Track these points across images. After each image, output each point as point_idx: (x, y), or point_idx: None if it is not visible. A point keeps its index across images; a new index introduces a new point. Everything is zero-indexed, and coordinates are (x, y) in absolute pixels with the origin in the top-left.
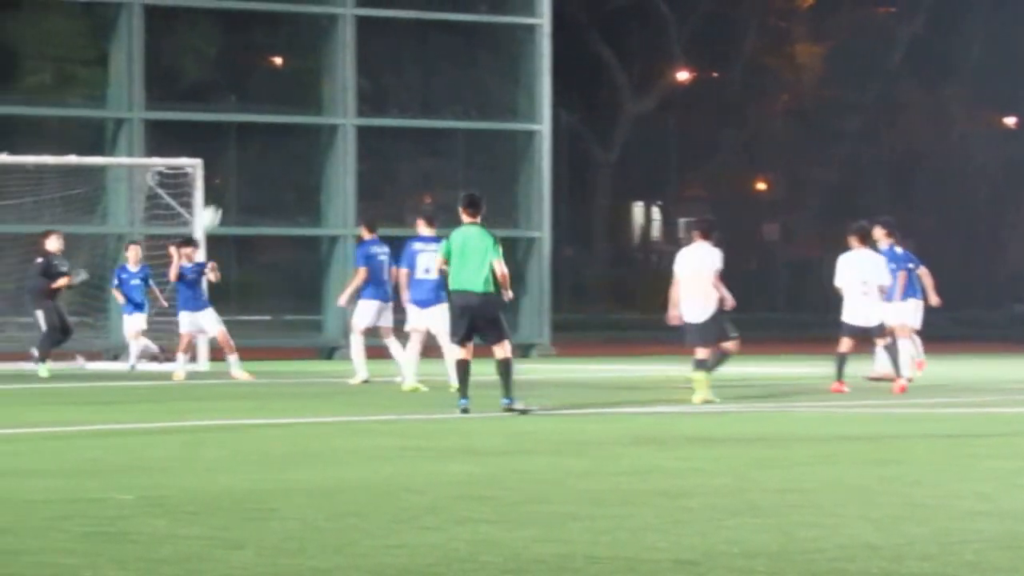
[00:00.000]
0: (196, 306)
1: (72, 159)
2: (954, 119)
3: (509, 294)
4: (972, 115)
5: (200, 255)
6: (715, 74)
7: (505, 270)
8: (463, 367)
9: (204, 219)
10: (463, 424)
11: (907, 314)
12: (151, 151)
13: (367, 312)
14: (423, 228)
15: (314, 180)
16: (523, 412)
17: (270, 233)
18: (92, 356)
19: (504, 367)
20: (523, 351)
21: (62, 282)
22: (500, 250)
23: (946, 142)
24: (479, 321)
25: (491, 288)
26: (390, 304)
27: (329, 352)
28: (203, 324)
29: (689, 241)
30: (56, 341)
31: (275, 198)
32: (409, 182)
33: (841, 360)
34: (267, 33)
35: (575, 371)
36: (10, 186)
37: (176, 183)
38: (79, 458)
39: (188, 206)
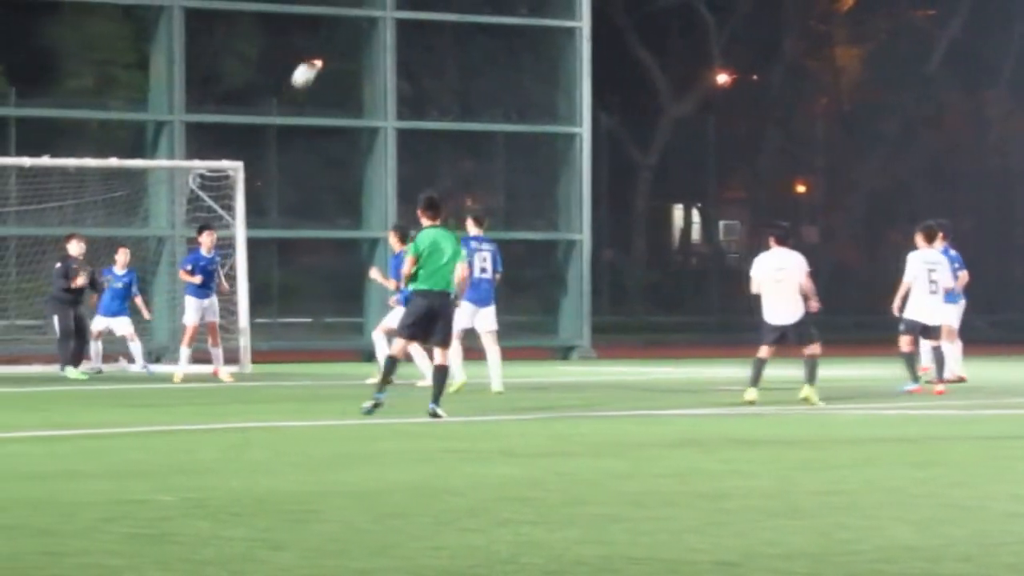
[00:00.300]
0: (205, 295)
1: (113, 162)
2: (992, 122)
3: (458, 299)
4: (1010, 118)
5: (241, 249)
6: (755, 77)
7: (465, 273)
8: (394, 363)
9: (299, 74)
10: (503, 426)
11: (952, 317)
12: (192, 154)
13: None
14: (473, 228)
15: (355, 183)
16: (436, 416)
17: (311, 236)
18: (133, 358)
19: (441, 374)
20: (563, 353)
21: (80, 281)
22: (464, 253)
23: (984, 144)
24: (440, 322)
25: (452, 289)
26: None
27: (370, 354)
28: (208, 313)
29: (763, 247)
30: (71, 346)
31: (316, 201)
32: (449, 185)
33: (911, 360)
34: (307, 36)
35: (615, 373)
36: (52, 189)
37: (217, 186)
38: (122, 460)
39: (229, 209)
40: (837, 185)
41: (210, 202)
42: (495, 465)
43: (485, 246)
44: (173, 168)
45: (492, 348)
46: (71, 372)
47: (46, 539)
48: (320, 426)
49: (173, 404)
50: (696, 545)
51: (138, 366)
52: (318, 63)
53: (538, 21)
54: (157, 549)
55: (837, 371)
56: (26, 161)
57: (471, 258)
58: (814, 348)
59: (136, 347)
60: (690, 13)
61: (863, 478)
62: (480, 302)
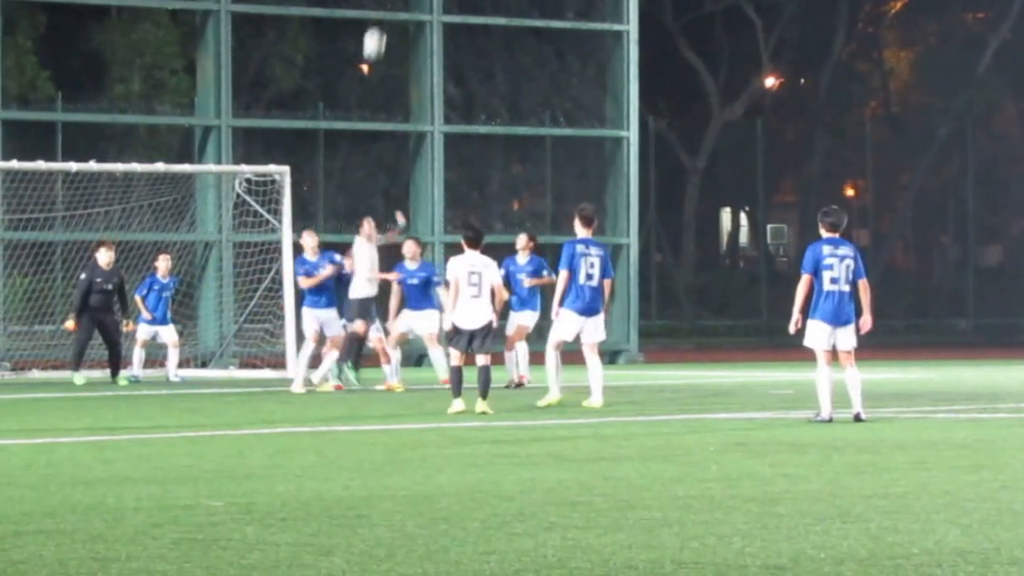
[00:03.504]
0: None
1: (160, 167)
2: None
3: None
4: None
5: (287, 254)
6: (803, 80)
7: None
8: None
9: (369, 45)
10: (553, 431)
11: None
12: (239, 158)
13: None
14: (581, 229)
15: (402, 187)
16: None
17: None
18: (181, 363)
19: None
20: (611, 357)
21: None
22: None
23: None
24: None
25: None
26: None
27: (418, 359)
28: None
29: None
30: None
31: (363, 205)
32: (497, 189)
33: None
34: (355, 40)
35: (663, 377)
36: (98, 194)
37: (264, 190)
38: (170, 465)
39: (276, 213)
40: (886, 188)
41: (257, 207)
42: (544, 469)
43: (593, 250)
44: (220, 173)
45: (594, 359)
46: (77, 378)
47: (94, 544)
48: (368, 430)
49: (219, 409)
50: (745, 549)
51: (170, 374)
52: (381, 35)
53: (586, 25)
54: (204, 554)
55: (887, 374)
56: (72, 166)
57: (576, 263)
58: (486, 359)
59: (175, 355)
60: (738, 16)
61: (913, 482)
62: (587, 312)
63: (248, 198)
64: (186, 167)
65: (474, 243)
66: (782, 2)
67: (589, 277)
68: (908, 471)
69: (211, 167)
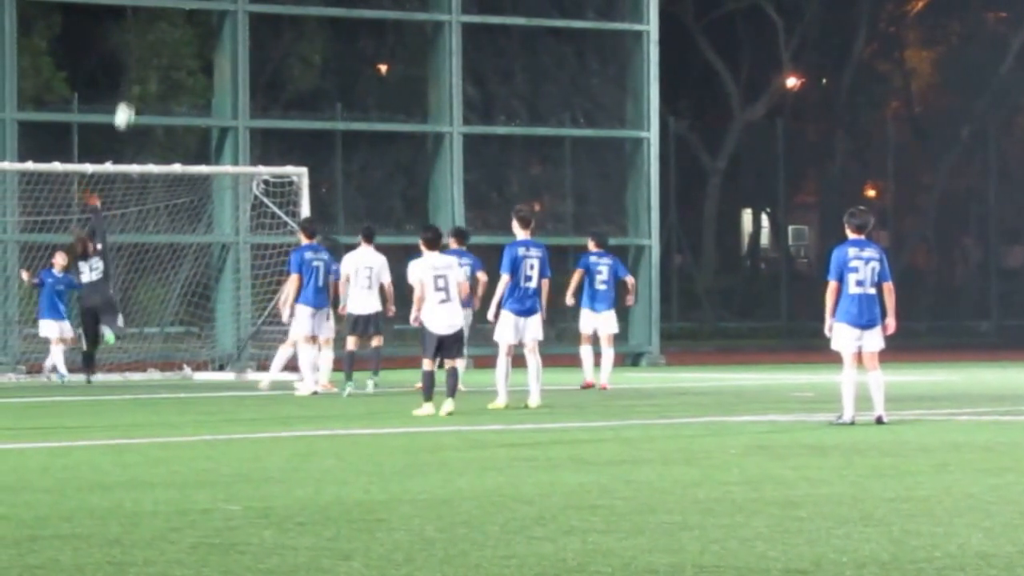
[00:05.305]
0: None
1: (177, 168)
2: None
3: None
4: None
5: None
6: (825, 80)
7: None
8: None
9: (120, 116)
10: (573, 434)
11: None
12: (256, 159)
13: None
14: (520, 231)
15: (421, 188)
16: None
17: (377, 242)
18: (199, 366)
19: None
20: (633, 360)
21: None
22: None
23: None
24: None
25: None
26: None
27: (439, 361)
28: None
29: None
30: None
31: (381, 206)
32: (517, 190)
33: None
34: (373, 41)
35: (685, 380)
36: (115, 195)
37: (281, 192)
38: (188, 469)
39: (294, 215)
40: (908, 189)
41: (274, 208)
42: (564, 473)
43: (533, 251)
44: (237, 174)
45: (533, 360)
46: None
47: (111, 549)
48: (387, 434)
49: (238, 412)
50: (767, 552)
51: (47, 367)
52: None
53: (606, 25)
54: (222, 559)
55: (909, 376)
56: (89, 167)
57: (518, 266)
58: (458, 363)
59: (60, 351)
60: (759, 17)
61: (935, 485)
62: (525, 312)
63: (266, 200)
64: (203, 168)
65: (433, 244)
66: (803, 2)
67: (528, 279)
68: (931, 474)
69: (228, 168)
